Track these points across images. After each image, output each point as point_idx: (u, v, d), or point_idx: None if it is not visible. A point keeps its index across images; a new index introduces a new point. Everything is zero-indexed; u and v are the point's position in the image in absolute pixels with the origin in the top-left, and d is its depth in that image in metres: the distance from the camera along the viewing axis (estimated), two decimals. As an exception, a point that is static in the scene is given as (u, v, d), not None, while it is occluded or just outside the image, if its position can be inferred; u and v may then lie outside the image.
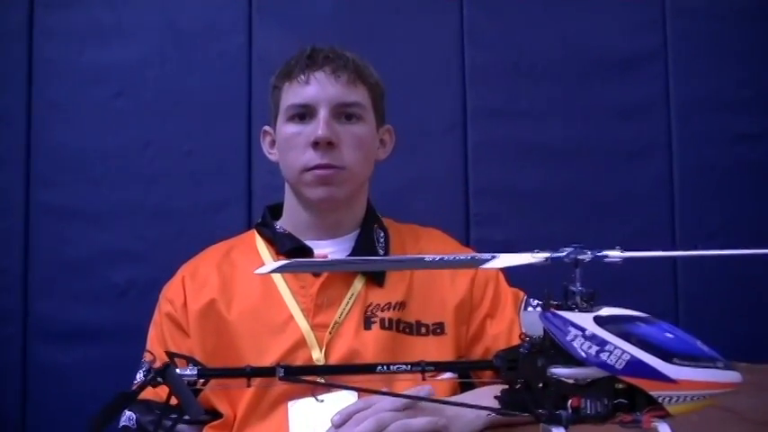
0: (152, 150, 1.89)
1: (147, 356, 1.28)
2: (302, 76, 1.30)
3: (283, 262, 1.11)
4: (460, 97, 1.94)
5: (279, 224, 1.38)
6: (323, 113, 1.28)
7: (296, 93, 1.30)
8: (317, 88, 1.29)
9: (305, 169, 1.29)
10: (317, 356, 1.25)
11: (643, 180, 1.95)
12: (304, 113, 1.30)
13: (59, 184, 1.89)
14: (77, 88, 1.91)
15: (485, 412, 1.09)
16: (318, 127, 1.27)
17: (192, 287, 1.32)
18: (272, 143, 1.39)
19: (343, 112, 1.30)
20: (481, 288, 1.34)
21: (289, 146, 1.31)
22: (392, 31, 1.95)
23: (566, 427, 0.80)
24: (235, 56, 1.91)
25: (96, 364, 1.80)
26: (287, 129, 1.32)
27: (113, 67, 1.91)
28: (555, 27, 1.98)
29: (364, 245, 1.34)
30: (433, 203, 1.86)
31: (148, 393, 0.97)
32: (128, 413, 1.26)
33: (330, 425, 1.09)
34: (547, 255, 0.82)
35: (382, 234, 1.38)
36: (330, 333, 1.27)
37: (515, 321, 1.31)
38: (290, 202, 1.37)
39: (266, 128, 1.41)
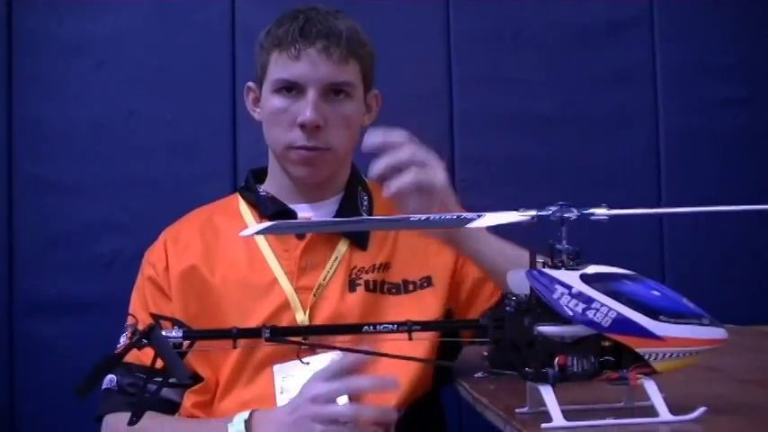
0: (135, 121, 1.88)
1: (130, 320, 1.27)
2: (292, 50, 1.25)
3: (267, 224, 1.10)
4: (445, 65, 1.93)
5: (262, 188, 1.37)
6: (311, 94, 1.25)
7: (285, 66, 1.26)
8: (307, 66, 1.25)
9: (290, 147, 1.27)
10: (301, 319, 1.24)
11: (629, 147, 1.96)
12: (292, 88, 1.27)
13: (42, 157, 1.87)
14: (58, 59, 1.89)
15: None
16: (306, 109, 1.24)
17: (174, 251, 1.31)
18: (256, 100, 1.36)
19: (332, 90, 1.27)
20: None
21: (274, 120, 1.29)
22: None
23: (553, 385, 0.80)
24: (217, 24, 1.90)
25: (82, 336, 1.79)
26: (273, 101, 1.29)
27: (95, 38, 1.90)
28: (539, -6, 1.97)
29: (348, 208, 1.33)
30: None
31: (130, 357, 0.96)
32: (109, 376, 1.25)
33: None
34: (533, 213, 0.82)
35: (366, 197, 1.37)
36: (315, 296, 1.26)
37: None
38: (273, 167, 1.36)
39: (250, 84, 1.37)
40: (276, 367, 1.21)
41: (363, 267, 1.29)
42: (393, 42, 1.86)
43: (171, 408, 1.26)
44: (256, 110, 1.36)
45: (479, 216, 0.82)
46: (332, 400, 1.05)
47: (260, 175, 1.40)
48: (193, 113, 1.88)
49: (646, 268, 1.82)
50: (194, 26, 1.90)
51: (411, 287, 1.29)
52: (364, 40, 1.32)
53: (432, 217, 0.87)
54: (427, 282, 1.30)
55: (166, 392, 1.24)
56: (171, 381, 0.87)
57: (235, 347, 0.82)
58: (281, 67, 1.27)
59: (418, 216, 0.85)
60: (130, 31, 1.90)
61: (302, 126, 1.25)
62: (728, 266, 1.92)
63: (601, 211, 0.82)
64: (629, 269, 0.86)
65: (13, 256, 1.86)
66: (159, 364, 0.80)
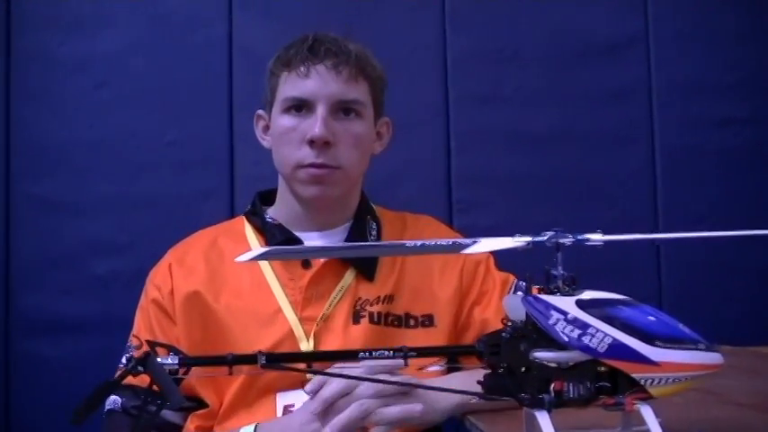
0: (134, 141, 1.88)
1: (134, 341, 1.27)
2: (302, 68, 1.25)
3: (266, 249, 1.10)
4: (443, 84, 1.94)
5: (269, 213, 1.36)
6: (321, 111, 1.24)
7: (294, 85, 1.26)
8: (316, 83, 1.25)
9: (299, 166, 1.26)
10: (306, 348, 1.23)
11: (626, 165, 1.96)
12: (301, 106, 1.26)
13: (41, 176, 1.87)
14: (58, 78, 1.89)
15: (456, 399, 1.10)
16: (315, 125, 1.24)
17: (179, 274, 1.30)
18: (266, 128, 1.35)
19: (342, 108, 1.27)
20: (470, 276, 1.34)
21: (283, 139, 1.28)
22: (374, 18, 1.94)
23: (549, 411, 0.80)
24: (216, 45, 1.90)
25: (80, 357, 1.79)
26: (282, 121, 1.28)
27: (94, 57, 1.90)
28: (537, 12, 1.98)
29: (356, 237, 1.32)
30: (417, 191, 1.86)
31: (136, 380, 0.97)
32: (113, 397, 1.25)
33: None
34: (528, 239, 0.82)
35: (374, 225, 1.36)
36: (318, 325, 1.25)
37: (502, 306, 1.31)
38: (282, 191, 1.35)
39: (260, 112, 1.37)
40: (279, 395, 1.21)
41: (368, 299, 1.28)
42: (390, 60, 1.84)
43: (175, 430, 1.26)
44: (266, 138, 1.36)
45: (474, 242, 0.82)
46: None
47: (267, 197, 1.39)
48: (192, 132, 1.89)
49: (642, 286, 1.85)
50: (193, 46, 1.90)
51: (413, 322, 1.29)
52: (374, 63, 1.33)
53: (427, 243, 0.87)
54: (429, 320, 1.30)
55: (170, 415, 1.25)
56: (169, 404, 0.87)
57: (230, 374, 0.82)
58: (290, 87, 1.27)
59: (414, 242, 0.85)
60: (130, 51, 1.91)
61: (311, 143, 1.24)
62: (727, 285, 1.91)
63: (596, 237, 0.82)
64: (625, 288, 0.86)
65: (10, 275, 1.85)
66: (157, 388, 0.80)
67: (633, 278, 1.84)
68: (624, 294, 0.85)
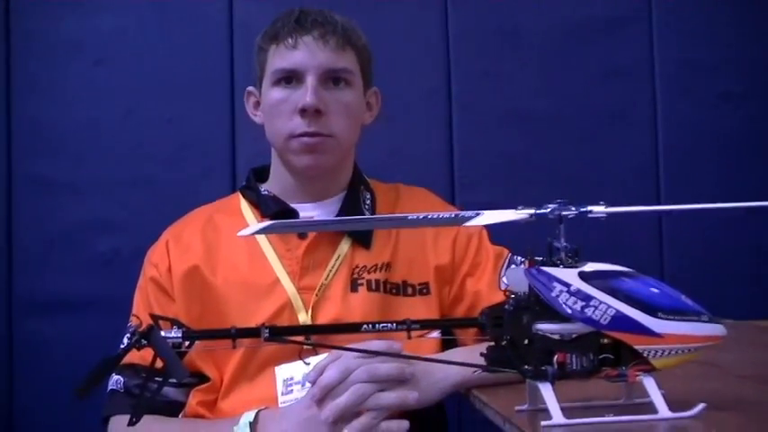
0: (133, 119, 1.88)
1: (134, 320, 1.27)
2: (289, 40, 1.26)
3: (267, 223, 1.10)
4: (444, 61, 1.93)
5: (264, 187, 1.37)
6: (310, 80, 1.25)
7: (283, 57, 1.27)
8: (304, 53, 1.26)
9: (291, 136, 1.27)
10: (304, 319, 1.24)
11: (628, 143, 1.96)
12: (291, 78, 1.27)
13: (40, 156, 1.87)
14: (56, 58, 1.89)
15: (454, 373, 1.10)
16: (306, 94, 1.24)
17: (176, 251, 1.31)
18: (257, 104, 1.36)
19: (331, 77, 1.28)
20: (462, 248, 1.34)
21: (275, 111, 1.29)
22: (375, -3, 1.93)
23: (552, 383, 0.80)
24: (215, 23, 1.89)
25: (82, 335, 1.79)
26: (273, 93, 1.29)
27: (92, 37, 1.89)
28: (539, -10, 1.97)
29: (350, 207, 1.33)
30: (418, 167, 1.86)
31: (135, 357, 0.97)
32: (115, 377, 1.26)
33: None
34: (531, 211, 0.82)
35: (368, 196, 1.37)
36: (317, 295, 1.26)
37: (495, 279, 1.31)
38: (276, 165, 1.35)
39: (250, 88, 1.38)
40: (278, 368, 1.21)
41: (366, 266, 1.29)
42: (392, 40, 1.86)
43: (177, 408, 1.26)
44: (257, 113, 1.36)
45: (477, 214, 0.82)
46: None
47: (261, 173, 1.39)
48: (192, 112, 1.88)
49: (644, 264, 1.83)
50: (192, 25, 1.90)
51: (410, 290, 1.30)
52: (360, 34, 1.33)
53: (430, 215, 0.87)
54: (426, 288, 1.30)
55: (172, 393, 1.25)
56: (172, 381, 0.87)
57: (234, 347, 0.82)
58: (278, 59, 1.28)
59: (416, 215, 0.85)
60: (128, 30, 1.90)
61: (303, 111, 1.24)
62: (727, 262, 1.92)
63: (599, 209, 0.82)
64: (627, 265, 0.86)
65: (11, 256, 1.86)
66: (159, 364, 0.80)
67: (635, 255, 1.83)
68: (625, 266, 0.85)
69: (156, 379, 0.81)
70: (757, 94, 1.97)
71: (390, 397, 1.06)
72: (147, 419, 1.09)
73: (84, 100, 1.88)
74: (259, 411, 1.13)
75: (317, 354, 1.12)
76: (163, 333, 0.81)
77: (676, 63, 1.97)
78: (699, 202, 1.89)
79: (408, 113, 1.88)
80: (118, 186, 1.86)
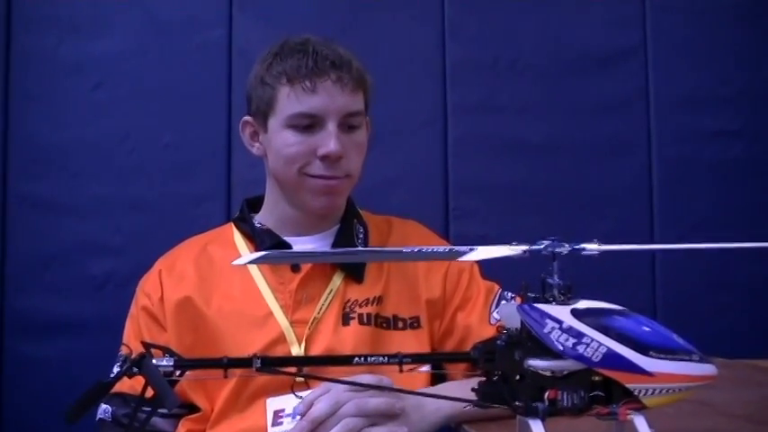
0: (130, 143, 1.88)
1: (124, 350, 1.26)
2: (308, 83, 1.23)
3: (261, 253, 1.10)
4: (441, 92, 1.95)
5: (257, 219, 1.36)
6: (332, 127, 1.24)
7: (300, 101, 1.24)
8: (324, 98, 1.24)
9: (307, 175, 1.27)
10: (297, 352, 1.24)
11: (622, 176, 1.97)
12: (309, 122, 1.25)
13: (37, 177, 1.87)
14: (55, 80, 1.89)
15: (445, 407, 1.10)
16: (330, 141, 1.23)
17: (169, 281, 1.31)
18: (254, 134, 1.34)
19: (348, 123, 1.27)
20: (453, 282, 1.34)
21: (289, 154, 1.26)
22: (373, 25, 1.95)
23: (543, 419, 0.80)
24: (214, 48, 1.91)
25: (73, 358, 1.79)
26: (288, 136, 1.26)
27: (92, 59, 1.90)
28: (535, 23, 1.99)
29: (344, 240, 1.33)
30: (413, 198, 1.86)
31: (125, 387, 0.96)
32: (104, 406, 1.25)
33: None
34: (525, 247, 0.82)
35: (362, 229, 1.37)
36: (309, 329, 1.26)
37: (486, 313, 1.31)
38: (275, 197, 1.35)
39: (247, 118, 1.35)
40: (269, 400, 1.21)
41: (357, 300, 1.29)
42: (389, 68, 1.87)
43: None
44: (255, 144, 1.35)
45: (471, 249, 0.82)
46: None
47: (254, 204, 1.39)
48: (189, 135, 1.89)
49: (637, 297, 1.85)
50: (192, 48, 1.91)
51: (401, 324, 1.30)
52: (363, 70, 1.32)
53: (425, 249, 0.87)
54: (416, 322, 1.31)
55: (160, 423, 1.25)
56: (162, 411, 0.87)
57: (225, 377, 0.82)
58: (295, 101, 1.25)
59: (411, 248, 0.85)
60: (128, 53, 1.91)
61: (324, 158, 1.24)
62: (721, 298, 1.92)
63: (592, 247, 0.82)
64: (620, 299, 0.86)
65: (4, 276, 1.85)
66: (150, 393, 0.80)
67: (628, 289, 1.84)
68: (619, 303, 0.85)
69: (145, 408, 0.81)
70: (752, 129, 1.99)
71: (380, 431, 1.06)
72: None
73: (81, 122, 1.89)
74: None
75: (309, 387, 1.12)
76: (154, 361, 0.80)
77: (672, 97, 1.98)
78: (693, 235, 1.90)
79: (404, 143, 1.89)
80: (113, 209, 1.86)
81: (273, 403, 1.20)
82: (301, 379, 1.19)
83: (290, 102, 1.25)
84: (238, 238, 1.35)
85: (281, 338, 1.25)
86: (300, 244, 1.32)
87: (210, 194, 1.87)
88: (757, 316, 1.92)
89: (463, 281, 1.34)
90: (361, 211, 1.41)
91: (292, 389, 1.10)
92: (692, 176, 1.97)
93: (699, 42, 2.00)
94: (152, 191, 1.87)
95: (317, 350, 1.25)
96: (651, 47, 1.99)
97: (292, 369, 1.19)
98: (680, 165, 1.97)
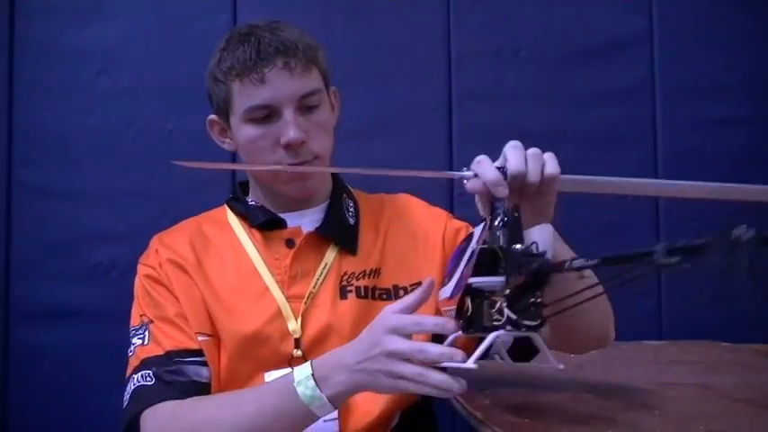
0: (134, 130, 1.89)
1: (144, 319, 1.26)
2: (255, 75, 1.21)
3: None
4: (446, 80, 1.94)
5: (250, 198, 1.37)
6: (288, 114, 1.22)
7: (250, 94, 1.21)
8: (273, 87, 1.21)
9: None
10: (294, 327, 1.24)
11: (628, 164, 1.96)
12: (265, 113, 1.23)
13: (41, 165, 1.88)
14: (59, 68, 1.90)
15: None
16: (288, 129, 1.21)
17: (166, 255, 1.30)
18: (223, 131, 1.34)
19: (305, 104, 1.24)
20: (451, 242, 1.33)
21: (253, 147, 1.25)
22: (378, 13, 1.94)
23: None
24: (218, 35, 1.86)
25: (78, 345, 1.79)
26: (248, 131, 1.25)
27: (95, 47, 1.91)
28: (540, 10, 1.99)
29: (335, 214, 1.33)
30: (418, 185, 1.85)
31: (169, 344, 1.18)
32: (141, 372, 1.20)
33: None
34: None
35: (351, 203, 1.37)
36: (305, 304, 1.26)
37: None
38: (260, 186, 1.35)
39: (213, 117, 1.34)
40: (267, 374, 1.21)
41: (354, 273, 1.29)
42: (394, 57, 1.87)
43: (208, 392, 1.22)
44: (225, 141, 1.34)
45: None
46: (406, 360, 1.01)
47: (246, 187, 1.39)
48: (192, 123, 1.88)
49: (642, 284, 1.84)
50: (195, 36, 1.90)
51: (402, 293, 1.29)
52: (315, 42, 1.28)
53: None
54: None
55: (205, 372, 1.21)
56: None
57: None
58: (247, 95, 1.23)
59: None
60: (131, 41, 1.91)
61: (287, 146, 1.23)
62: (726, 285, 1.91)
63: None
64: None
65: (9, 263, 1.86)
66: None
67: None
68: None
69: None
70: (759, 116, 1.98)
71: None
72: (187, 401, 1.12)
73: (85, 110, 1.89)
74: (313, 361, 1.07)
75: (306, 361, 1.10)
76: None
77: (677, 86, 1.98)
78: (698, 224, 1.89)
79: (409, 130, 1.89)
80: (117, 196, 1.87)
81: (272, 378, 1.19)
82: (299, 354, 1.21)
83: (242, 97, 1.23)
84: (232, 217, 1.35)
85: (278, 314, 1.25)
86: (292, 218, 1.32)
87: (214, 182, 1.86)
88: (762, 301, 1.91)
89: (461, 237, 1.33)
90: (353, 190, 1.41)
91: (290, 364, 1.10)
92: (698, 165, 1.97)
93: (705, 30, 1.99)
94: (156, 178, 1.87)
95: (314, 325, 1.24)
96: (657, 34, 1.98)
97: (290, 344, 1.21)
98: (685, 153, 1.97)
